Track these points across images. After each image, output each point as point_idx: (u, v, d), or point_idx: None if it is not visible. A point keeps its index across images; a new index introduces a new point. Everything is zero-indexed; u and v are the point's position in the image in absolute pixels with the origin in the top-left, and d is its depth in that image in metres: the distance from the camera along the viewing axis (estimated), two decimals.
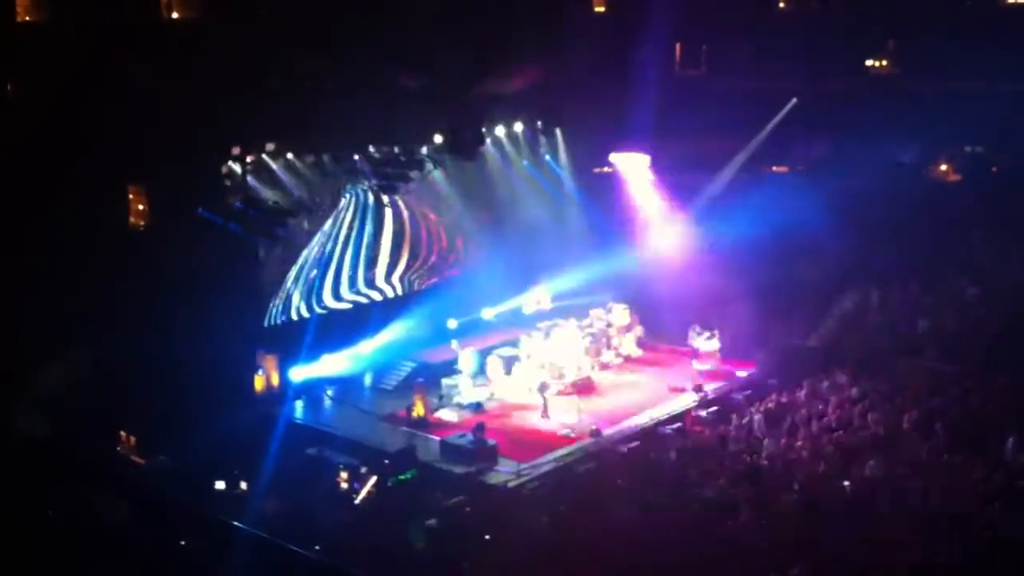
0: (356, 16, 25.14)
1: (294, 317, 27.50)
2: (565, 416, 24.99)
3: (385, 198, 28.79)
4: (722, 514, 18.26)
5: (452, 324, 29.97)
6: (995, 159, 31.39)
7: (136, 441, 24.32)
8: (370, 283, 29.24)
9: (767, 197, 31.42)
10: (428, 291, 30.91)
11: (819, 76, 31.09)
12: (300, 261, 27.45)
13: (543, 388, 25.64)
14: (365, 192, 28.61)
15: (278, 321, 27.21)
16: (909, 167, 32.00)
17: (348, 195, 28.24)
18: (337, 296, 28.47)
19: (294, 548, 18.73)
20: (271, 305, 26.98)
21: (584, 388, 26.82)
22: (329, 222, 28.00)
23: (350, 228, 28.53)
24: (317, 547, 19.23)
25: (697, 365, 28.19)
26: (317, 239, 27.78)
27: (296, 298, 27.48)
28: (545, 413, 25.28)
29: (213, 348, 23.69)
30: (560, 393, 26.42)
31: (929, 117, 29.60)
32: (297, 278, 27.46)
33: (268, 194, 25.90)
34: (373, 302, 29.39)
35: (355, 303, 28.96)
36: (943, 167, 32.38)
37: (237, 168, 24.83)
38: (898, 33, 31.77)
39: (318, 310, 28.05)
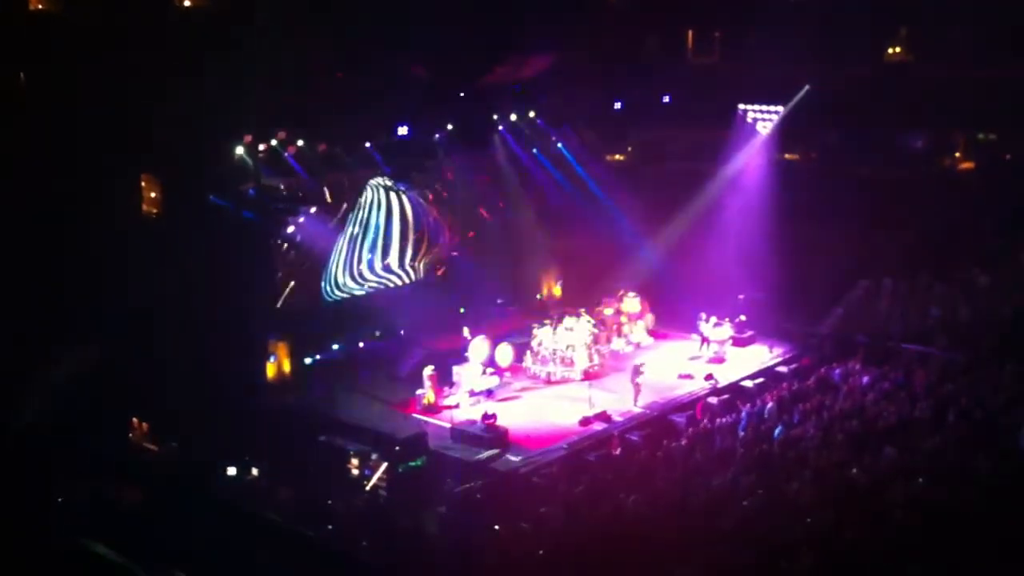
0: (367, 4, 25.12)
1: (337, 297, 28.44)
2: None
3: (395, 187, 28.87)
4: (732, 501, 18.31)
5: (461, 311, 30.12)
6: (1008, 147, 31.27)
7: (148, 428, 24.45)
8: (387, 269, 29.53)
9: (780, 184, 31.45)
10: (438, 279, 31.02)
11: (832, 63, 30.96)
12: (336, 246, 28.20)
13: (636, 373, 25.37)
14: (378, 184, 28.84)
15: (333, 298, 28.16)
16: (922, 155, 31.91)
17: (369, 189, 28.63)
18: (356, 280, 28.89)
19: (305, 532, 18.90)
20: (323, 283, 27.94)
21: (594, 376, 26.88)
22: (356, 209, 28.49)
23: (367, 217, 28.87)
24: (330, 527, 19.39)
25: (708, 353, 28.25)
26: (348, 224, 28.36)
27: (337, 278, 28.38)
28: (636, 400, 25.11)
29: (225, 334, 23.81)
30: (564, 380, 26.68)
31: (942, 104, 29.47)
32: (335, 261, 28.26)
33: (280, 182, 26.00)
34: (386, 288, 29.62)
35: (370, 289, 29.28)
36: (956, 155, 32.29)
37: (249, 156, 24.88)
38: (911, 20, 31.62)
39: (339, 294, 28.54)
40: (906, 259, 29.56)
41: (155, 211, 24.87)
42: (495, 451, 22.40)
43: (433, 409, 25.07)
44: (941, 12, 29.33)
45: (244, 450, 22.62)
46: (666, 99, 32.60)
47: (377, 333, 28.83)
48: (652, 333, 30.57)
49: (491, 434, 22.74)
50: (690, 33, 34.47)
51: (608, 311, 29.85)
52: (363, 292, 29.04)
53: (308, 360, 27.28)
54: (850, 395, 23.26)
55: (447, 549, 18.67)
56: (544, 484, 20.97)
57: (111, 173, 23.79)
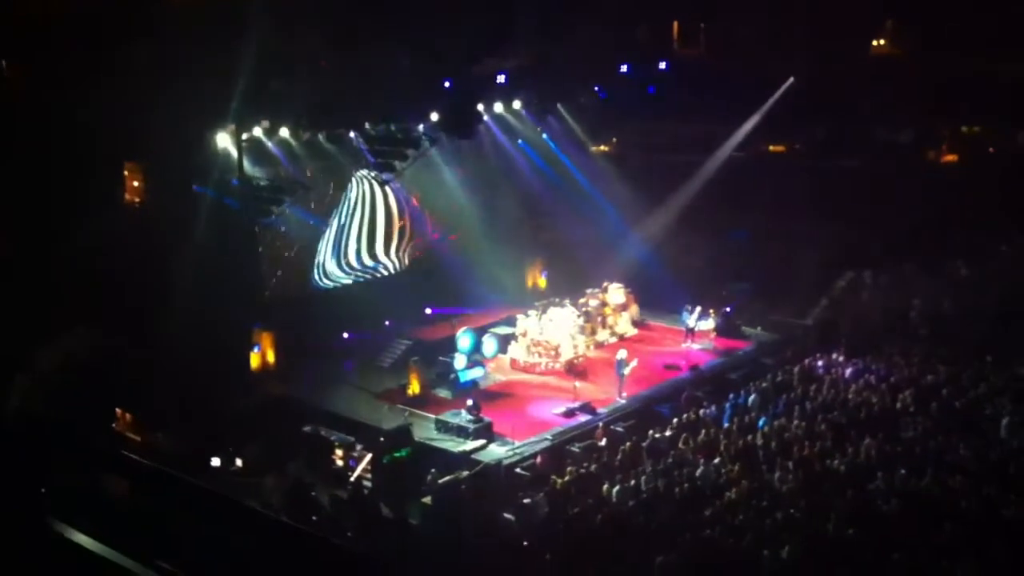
0: None
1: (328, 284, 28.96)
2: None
3: (379, 177, 28.86)
4: (715, 491, 18.38)
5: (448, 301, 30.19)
6: (992, 140, 31.43)
7: (133, 418, 24.36)
8: (373, 258, 29.66)
9: (765, 176, 31.53)
10: (423, 269, 31.02)
11: (818, 56, 31.04)
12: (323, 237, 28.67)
13: (621, 365, 25.34)
14: (363, 176, 28.86)
15: (323, 286, 28.75)
16: (906, 147, 32.03)
17: (354, 181, 28.92)
18: (343, 270, 29.23)
19: (289, 522, 18.85)
20: (313, 274, 28.55)
21: (579, 367, 26.91)
22: (343, 200, 28.90)
23: (353, 208, 29.12)
24: (315, 517, 19.34)
25: (692, 344, 28.31)
26: (333, 216, 28.75)
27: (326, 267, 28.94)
28: (621, 392, 25.14)
29: (210, 324, 23.71)
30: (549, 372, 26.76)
31: (927, 98, 29.59)
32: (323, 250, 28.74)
33: (264, 171, 25.93)
34: (373, 279, 29.68)
35: (357, 278, 29.48)
36: (941, 147, 32.42)
37: (233, 145, 24.78)
38: (897, 13, 31.72)
39: (327, 283, 28.97)
40: (890, 251, 29.69)
41: (137, 200, 24.73)
42: (480, 442, 22.38)
43: (418, 400, 25.05)
44: (928, 5, 29.44)
45: (228, 440, 22.55)
46: (651, 90, 32.61)
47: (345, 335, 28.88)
48: (637, 324, 30.61)
49: (476, 425, 22.72)
50: (675, 24, 34.49)
51: (593, 302, 29.87)
52: (351, 281, 29.19)
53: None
54: (833, 386, 23.36)
55: (432, 540, 18.69)
56: (529, 475, 21.00)
57: (93, 162, 23.61)
